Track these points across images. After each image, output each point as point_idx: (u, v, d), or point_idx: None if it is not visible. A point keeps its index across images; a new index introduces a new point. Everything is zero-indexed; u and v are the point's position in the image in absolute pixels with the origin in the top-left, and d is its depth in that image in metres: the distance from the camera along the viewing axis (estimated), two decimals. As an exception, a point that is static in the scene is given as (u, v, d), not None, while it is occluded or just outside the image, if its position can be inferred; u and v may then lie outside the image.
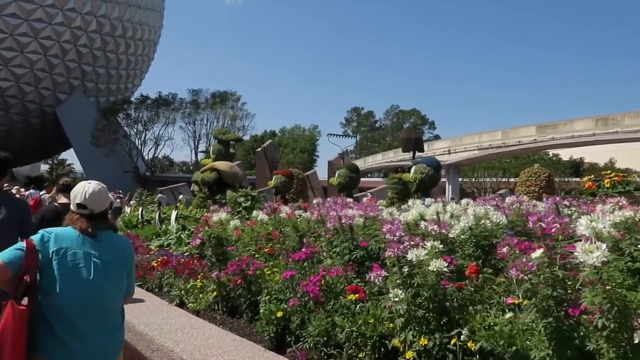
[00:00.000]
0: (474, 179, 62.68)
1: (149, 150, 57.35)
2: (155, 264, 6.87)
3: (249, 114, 63.59)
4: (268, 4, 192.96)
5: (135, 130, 55.37)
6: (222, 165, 17.24)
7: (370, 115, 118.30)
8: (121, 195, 32.79)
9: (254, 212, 6.78)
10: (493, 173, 62.19)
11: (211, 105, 58.62)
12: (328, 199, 7.65)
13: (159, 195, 32.75)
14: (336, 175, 14.66)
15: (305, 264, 4.67)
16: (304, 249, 4.77)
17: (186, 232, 8.69)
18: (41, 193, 21.56)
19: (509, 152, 56.49)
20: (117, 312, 3.03)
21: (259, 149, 38.93)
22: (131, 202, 29.86)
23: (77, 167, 74.86)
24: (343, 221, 4.75)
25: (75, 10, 49.32)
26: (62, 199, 5.70)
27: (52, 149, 62.04)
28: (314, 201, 7.25)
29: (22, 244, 2.77)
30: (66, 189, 5.70)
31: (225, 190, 17.01)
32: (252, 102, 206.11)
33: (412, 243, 3.32)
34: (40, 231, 2.88)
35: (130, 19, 54.59)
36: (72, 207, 3.04)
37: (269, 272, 5.13)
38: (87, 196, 2.98)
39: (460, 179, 57.87)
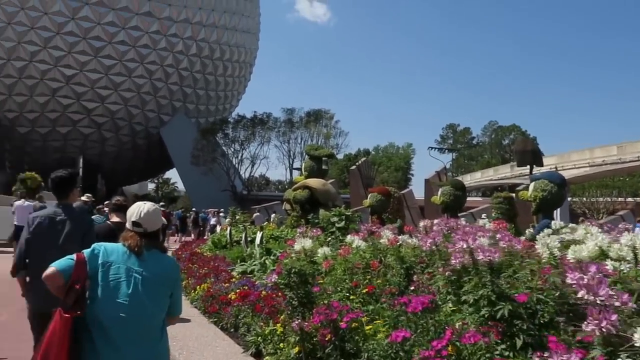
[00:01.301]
0: (584, 199, 57.82)
1: (246, 169, 58.46)
2: (232, 297, 5.83)
3: (342, 132, 62.99)
4: (360, 24, 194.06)
5: (232, 150, 56.65)
6: (314, 182, 16.28)
7: (466, 131, 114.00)
8: (222, 214, 33.00)
9: (348, 237, 5.55)
10: (607, 192, 57.19)
11: (305, 123, 58.76)
12: (438, 221, 6.27)
13: (256, 214, 32.57)
14: (439, 193, 13.16)
15: (422, 319, 3.32)
16: (420, 297, 3.41)
17: (271, 257, 7.66)
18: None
19: (626, 169, 51.37)
20: (154, 329, 3.08)
21: (353, 167, 37.93)
22: (226, 220, 29.87)
23: (180, 185, 78.34)
24: (480, 257, 3.35)
25: (177, 36, 51.60)
26: (115, 218, 5.79)
27: (157, 168, 65.11)
28: (421, 224, 5.92)
29: (73, 255, 2.99)
30: (118, 209, 5.84)
31: (318, 209, 16.01)
32: (345, 120, 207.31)
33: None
34: (93, 244, 3.09)
35: (227, 42, 56.31)
36: (127, 224, 3.19)
37: (369, 325, 3.82)
38: (142, 215, 3.14)
39: (569, 199, 53.50)
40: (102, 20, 47.43)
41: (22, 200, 18.05)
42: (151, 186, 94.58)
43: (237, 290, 5.97)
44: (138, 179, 70.36)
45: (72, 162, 52.94)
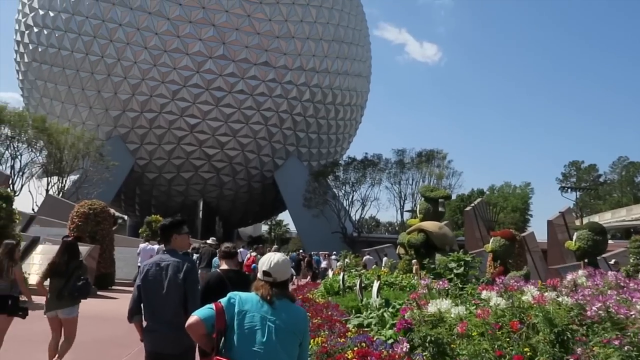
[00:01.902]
0: None
1: (356, 211, 58.30)
2: (350, 356, 5.31)
3: (455, 172, 61.00)
4: (472, 62, 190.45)
5: (343, 192, 56.94)
6: (430, 225, 15.48)
7: (592, 168, 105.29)
8: (334, 256, 32.82)
9: (484, 293, 4.81)
10: None
11: (416, 164, 57.74)
12: (583, 272, 5.36)
13: (366, 257, 31.99)
14: (574, 237, 11.80)
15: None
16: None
17: (390, 308, 7.06)
18: (252, 253, 22.27)
19: None
20: None
21: (468, 208, 36.19)
22: (337, 264, 29.54)
23: (292, 227, 79.99)
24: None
25: (292, 83, 53.64)
26: (224, 265, 5.79)
27: (271, 210, 67.10)
28: (568, 277, 5.05)
29: (212, 305, 3.12)
30: (227, 256, 5.85)
31: (434, 254, 15.14)
32: (458, 160, 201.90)
33: None
34: (229, 294, 3.23)
35: (339, 86, 57.51)
36: (258, 274, 3.32)
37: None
38: (272, 265, 3.27)
39: None
40: (224, 72, 50.64)
41: (147, 243, 19.11)
42: (265, 228, 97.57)
43: (355, 349, 5.43)
44: (253, 221, 72.94)
45: (194, 205, 56.29)
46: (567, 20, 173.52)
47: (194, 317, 3.05)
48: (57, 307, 6.99)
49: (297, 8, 53.45)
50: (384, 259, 32.07)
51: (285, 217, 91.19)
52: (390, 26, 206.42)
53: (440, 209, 16.54)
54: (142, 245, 18.89)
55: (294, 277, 34.00)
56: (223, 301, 3.14)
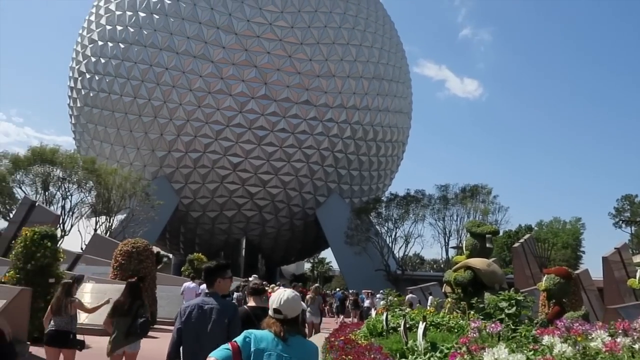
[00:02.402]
0: None
1: (399, 248, 57.13)
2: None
3: (501, 208, 59.22)
4: (514, 96, 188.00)
5: (385, 229, 56.06)
6: (477, 262, 14.77)
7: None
8: (380, 295, 32.08)
9: (546, 338, 4.33)
10: None
11: (461, 200, 56.45)
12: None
13: (410, 295, 31.10)
14: (637, 276, 10.99)
15: None
16: None
17: (438, 353, 6.59)
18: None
19: None
20: None
21: (517, 244, 34.94)
22: (381, 303, 28.77)
23: (334, 265, 79.12)
24: None
25: (332, 120, 53.99)
26: (251, 302, 5.88)
27: (313, 248, 66.71)
28: None
29: (228, 345, 3.15)
30: (255, 292, 5.95)
31: (482, 292, 14.39)
32: (504, 195, 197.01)
33: None
34: (243, 332, 3.26)
35: (380, 123, 57.50)
36: (270, 312, 3.36)
37: None
38: (282, 303, 3.33)
39: None
40: (265, 112, 51.51)
41: (191, 281, 19.06)
42: (307, 266, 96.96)
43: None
44: (296, 258, 72.65)
45: (236, 243, 56.60)
46: (611, 55, 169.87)
47: (211, 359, 3.07)
48: (125, 344, 7.51)
49: (337, 47, 54.24)
50: (430, 297, 31.02)
51: (327, 254, 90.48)
52: (430, 63, 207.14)
53: (487, 245, 15.77)
54: (186, 285, 18.84)
55: (339, 316, 33.42)
56: (239, 340, 3.18)
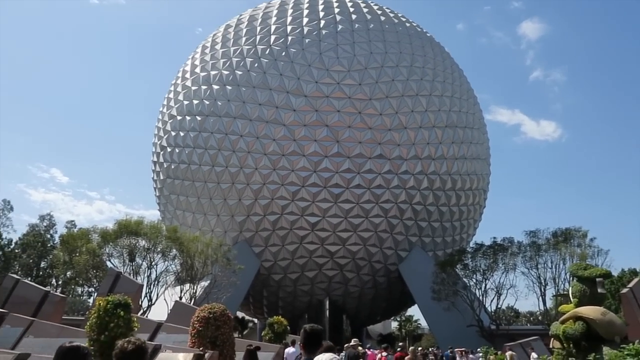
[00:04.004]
0: None
1: (491, 301, 53.40)
2: None
3: (600, 251, 54.45)
4: (595, 134, 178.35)
5: (474, 281, 52.89)
6: (590, 311, 12.99)
7: None
8: (477, 354, 30.15)
9: None
10: None
11: (553, 245, 52.55)
12: None
13: (509, 352, 28.70)
14: None
15: None
16: None
17: None
18: (383, 353, 20.60)
19: None
20: None
21: (625, 290, 31.71)
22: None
23: (423, 322, 75.52)
24: None
25: (408, 172, 52.92)
26: None
27: (398, 305, 64.21)
28: None
29: None
30: (249, 355, 6.21)
31: (600, 347, 12.54)
32: (601, 238, 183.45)
33: None
34: None
35: (458, 171, 55.75)
36: None
37: None
38: None
39: None
40: (340, 169, 51.39)
41: (291, 346, 18.52)
42: (394, 324, 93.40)
43: None
44: (381, 317, 70.10)
45: (319, 305, 55.46)
46: None
47: None
48: None
49: (406, 100, 53.92)
50: (532, 354, 28.55)
51: (414, 311, 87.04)
52: (503, 109, 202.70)
53: (599, 290, 13.78)
54: (287, 350, 18.49)
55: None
56: None
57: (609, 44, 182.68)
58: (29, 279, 55.87)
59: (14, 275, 28.81)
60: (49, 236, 71.83)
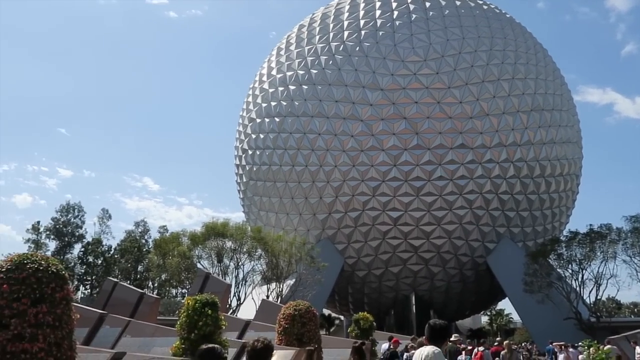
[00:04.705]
0: None
1: (589, 292, 50.20)
2: None
3: None
4: None
5: (570, 271, 50.03)
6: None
7: None
8: (567, 346, 28.59)
9: None
10: None
11: (658, 230, 48.63)
12: None
13: (608, 346, 26.81)
14: None
15: None
16: None
17: None
18: (480, 348, 20.06)
19: None
20: None
21: None
22: (579, 357, 25.10)
23: (515, 316, 72.53)
24: None
25: (492, 161, 51.02)
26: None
27: (488, 299, 62.20)
28: None
29: None
30: (356, 352, 6.75)
31: None
32: None
33: None
34: None
35: (547, 156, 53.05)
36: None
37: None
38: (422, 359, 3.78)
39: None
40: (420, 162, 50.43)
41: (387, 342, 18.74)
42: (485, 319, 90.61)
43: None
44: (470, 312, 68.17)
45: (405, 300, 54.85)
46: None
47: None
48: None
49: (487, 85, 52.00)
50: (637, 348, 26.46)
51: (506, 305, 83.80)
52: (592, 88, 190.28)
53: None
54: (384, 346, 18.89)
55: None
56: None
57: None
58: (128, 282, 59.60)
59: (112, 279, 30.74)
60: (143, 241, 76.48)
